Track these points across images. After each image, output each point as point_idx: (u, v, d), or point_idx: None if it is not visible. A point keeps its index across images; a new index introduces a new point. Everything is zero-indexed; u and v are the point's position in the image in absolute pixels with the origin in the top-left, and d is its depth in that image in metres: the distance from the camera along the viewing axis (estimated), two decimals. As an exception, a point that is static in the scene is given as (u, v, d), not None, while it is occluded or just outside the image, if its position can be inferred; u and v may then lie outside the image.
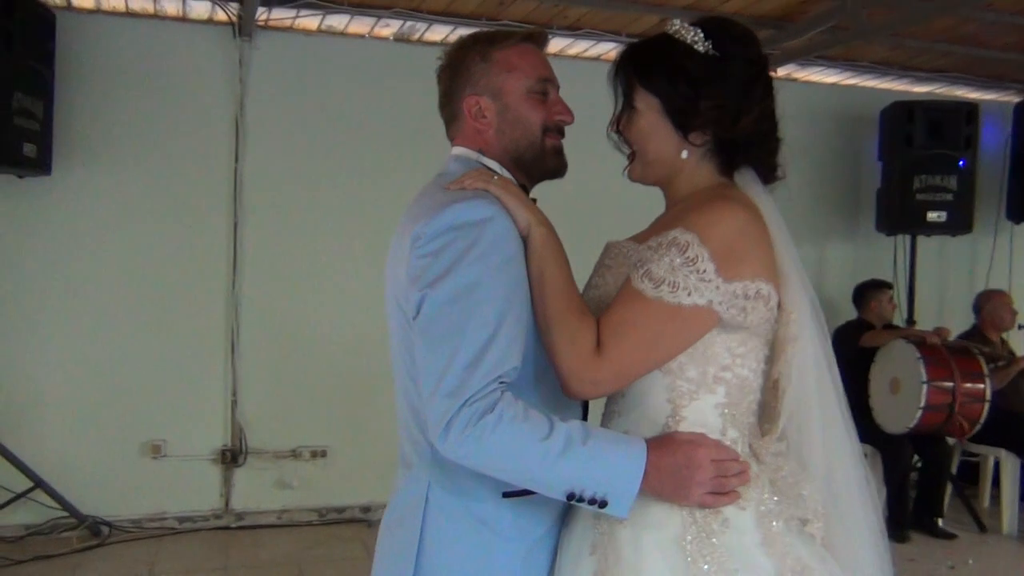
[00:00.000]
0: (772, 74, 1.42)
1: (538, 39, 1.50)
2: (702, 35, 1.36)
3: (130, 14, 4.24)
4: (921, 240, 5.22)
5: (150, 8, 4.22)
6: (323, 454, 4.55)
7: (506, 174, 1.45)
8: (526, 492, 1.33)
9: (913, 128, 4.90)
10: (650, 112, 1.39)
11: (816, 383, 1.35)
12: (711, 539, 1.27)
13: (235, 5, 4.20)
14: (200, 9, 4.26)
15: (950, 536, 4.44)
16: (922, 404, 4.33)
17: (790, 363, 1.34)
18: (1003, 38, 4.59)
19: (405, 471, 1.44)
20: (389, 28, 4.55)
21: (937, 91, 5.47)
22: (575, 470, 1.24)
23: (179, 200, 4.34)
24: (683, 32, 1.37)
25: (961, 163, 4.96)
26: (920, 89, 5.43)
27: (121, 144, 4.25)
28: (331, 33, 4.56)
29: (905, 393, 4.41)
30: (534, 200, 1.42)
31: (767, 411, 1.38)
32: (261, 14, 4.20)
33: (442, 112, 1.52)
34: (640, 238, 1.41)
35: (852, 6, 3.89)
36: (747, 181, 1.40)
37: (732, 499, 1.28)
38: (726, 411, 1.34)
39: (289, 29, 4.41)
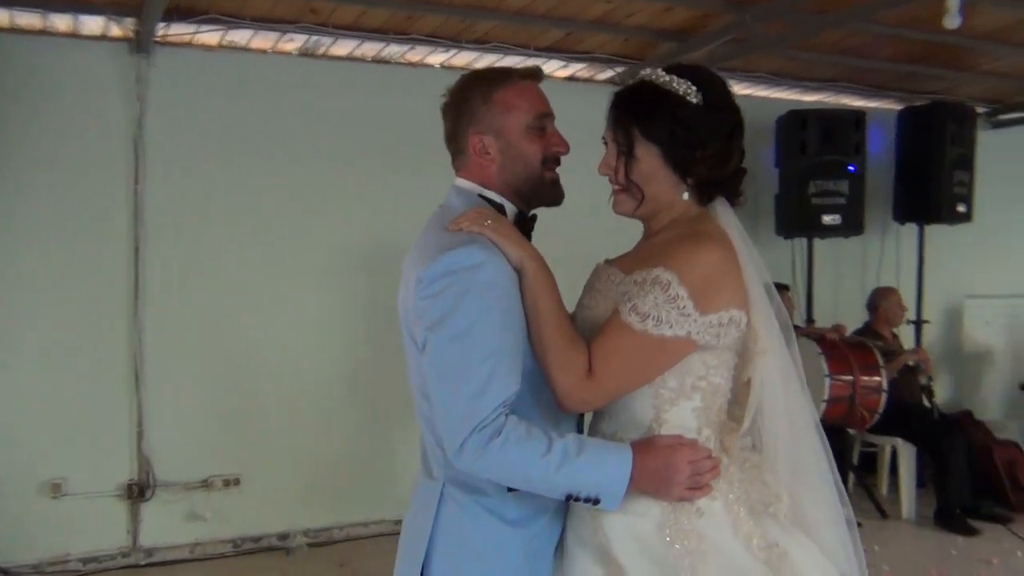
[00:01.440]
0: None
1: (534, 76, 1.66)
2: (694, 88, 1.52)
3: (15, 30, 4.01)
4: (817, 242, 5.46)
5: (38, 24, 3.99)
6: (236, 482, 4.40)
7: (507, 203, 1.62)
8: None
9: (807, 135, 5.13)
10: (649, 159, 1.54)
11: (782, 385, 1.56)
12: (685, 525, 1.48)
13: (132, 20, 4.02)
14: (93, 25, 4.06)
15: (855, 524, 4.64)
16: (825, 397, 4.55)
17: (758, 371, 1.54)
18: (886, 49, 4.86)
19: (424, 473, 1.63)
20: (293, 43, 4.46)
21: (826, 99, 5.74)
22: (572, 478, 1.44)
23: (76, 224, 4.13)
24: (675, 84, 1.52)
25: (851, 168, 5.22)
26: (810, 98, 5.68)
27: (10, 168, 4.01)
28: (233, 48, 4.42)
29: (808, 387, 4.60)
30: (533, 219, 1.64)
31: (736, 409, 1.58)
32: (160, 29, 4.05)
33: (448, 146, 1.67)
34: (626, 266, 1.57)
35: (750, 20, 4.05)
36: (720, 210, 1.59)
37: (706, 492, 1.49)
38: (701, 414, 1.53)
39: (189, 45, 4.25)
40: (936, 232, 5.71)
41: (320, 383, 4.57)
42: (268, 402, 4.45)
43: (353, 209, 4.61)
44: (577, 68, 4.99)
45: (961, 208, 5.48)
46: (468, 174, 1.64)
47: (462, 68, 4.81)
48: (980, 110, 5.94)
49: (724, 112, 1.55)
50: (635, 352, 1.46)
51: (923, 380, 5.25)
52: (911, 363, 5.09)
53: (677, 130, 1.51)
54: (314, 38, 4.36)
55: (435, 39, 4.50)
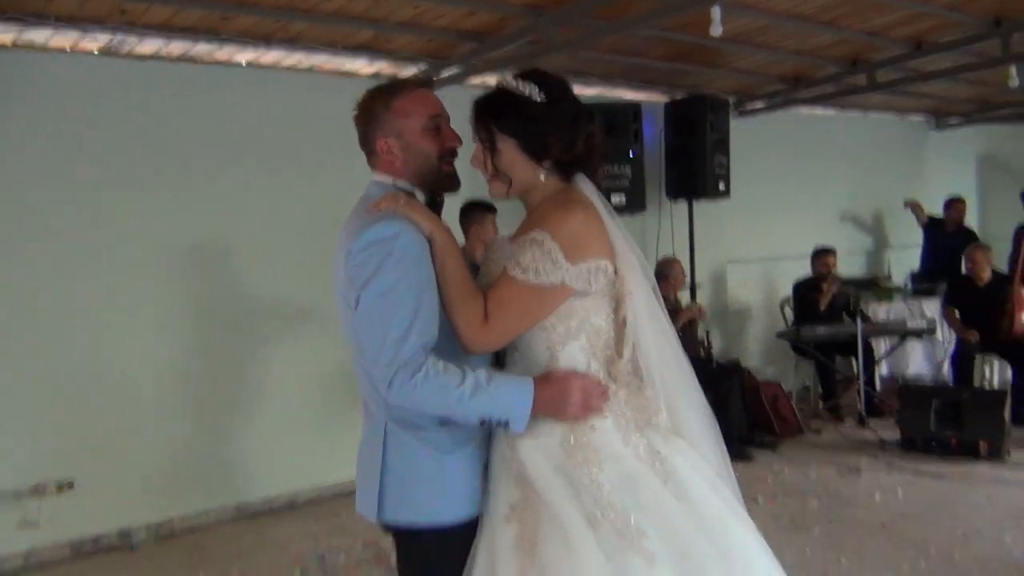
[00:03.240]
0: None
1: (427, 84, 1.98)
2: (537, 88, 1.84)
3: None
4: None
5: None
6: (70, 485, 4.34)
7: (416, 191, 1.91)
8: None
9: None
10: (509, 150, 1.87)
11: (649, 320, 1.89)
12: (583, 439, 1.80)
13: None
14: None
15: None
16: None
17: (630, 310, 1.87)
18: (655, 50, 5.56)
19: (368, 418, 1.91)
20: (96, 42, 4.43)
21: (604, 93, 6.38)
22: (483, 405, 1.74)
23: None
24: (521, 87, 1.85)
25: (631, 153, 5.90)
26: (591, 91, 6.30)
27: None
28: (30, 48, 4.33)
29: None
30: (441, 203, 1.93)
31: (618, 343, 1.89)
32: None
33: (362, 148, 1.95)
34: (513, 238, 1.89)
35: (544, 24, 4.54)
36: (581, 184, 1.92)
37: (597, 412, 1.81)
38: (588, 351, 1.85)
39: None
40: (702, 207, 6.55)
41: (150, 377, 4.60)
42: (98, 401, 4.42)
43: (180, 206, 4.67)
44: (382, 65, 5.28)
45: (721, 186, 6.34)
46: (381, 170, 1.92)
47: (269, 67, 4.99)
48: (731, 100, 6.84)
49: (564, 105, 1.86)
50: (520, 299, 1.78)
51: (701, 334, 6.05)
52: (692, 318, 5.86)
53: (527, 124, 1.82)
54: (119, 37, 4.34)
55: (245, 39, 4.64)
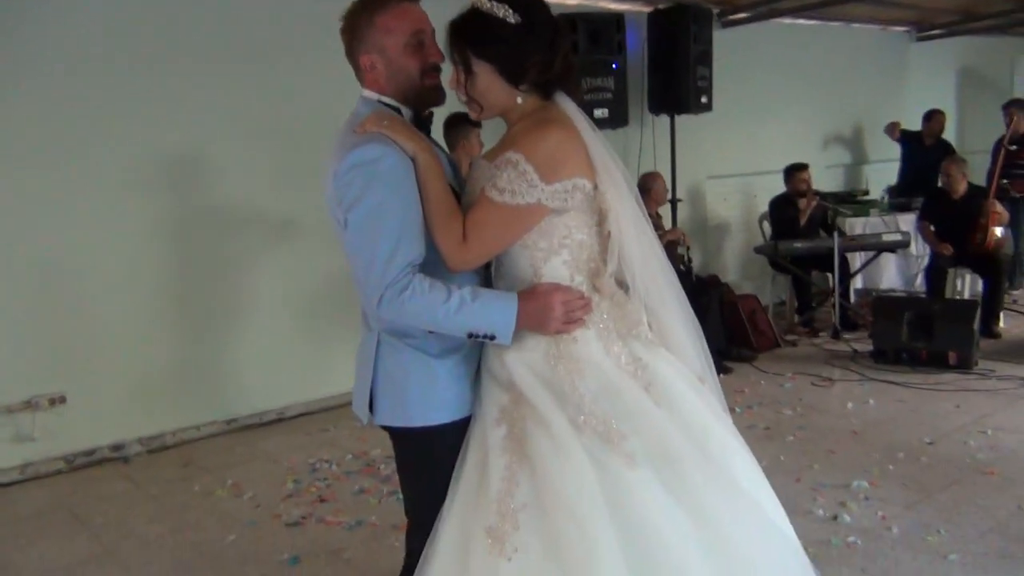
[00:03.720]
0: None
1: None
2: (511, 10, 1.80)
3: None
4: (589, 135, 6.06)
5: None
6: (62, 400, 4.40)
7: (403, 108, 1.92)
8: None
9: (577, 37, 5.62)
10: (486, 74, 1.84)
11: (635, 232, 1.91)
12: (565, 351, 1.85)
13: None
14: None
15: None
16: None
17: (613, 224, 1.90)
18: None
19: (364, 328, 1.98)
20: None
21: (585, 3, 6.26)
22: (469, 319, 1.81)
23: None
24: (495, 8, 1.81)
25: (615, 66, 5.84)
26: (572, 1, 6.19)
27: None
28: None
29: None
30: (430, 117, 1.99)
31: (602, 256, 1.93)
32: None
33: (349, 61, 1.94)
34: (490, 157, 1.89)
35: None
36: (561, 101, 1.90)
37: (579, 325, 1.86)
38: (571, 265, 1.89)
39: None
40: (683, 122, 6.53)
41: (138, 293, 4.60)
42: (88, 315, 4.44)
43: (164, 115, 4.59)
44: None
45: (703, 99, 6.31)
46: (368, 86, 1.93)
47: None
48: (714, 11, 6.75)
49: (540, 27, 1.82)
50: (496, 219, 1.81)
51: (681, 251, 6.12)
52: (673, 240, 5.91)
53: (502, 48, 1.80)
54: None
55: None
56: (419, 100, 1.94)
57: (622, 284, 1.94)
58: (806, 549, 1.99)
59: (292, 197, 4.86)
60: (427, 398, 1.90)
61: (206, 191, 4.82)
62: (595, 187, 1.87)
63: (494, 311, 1.82)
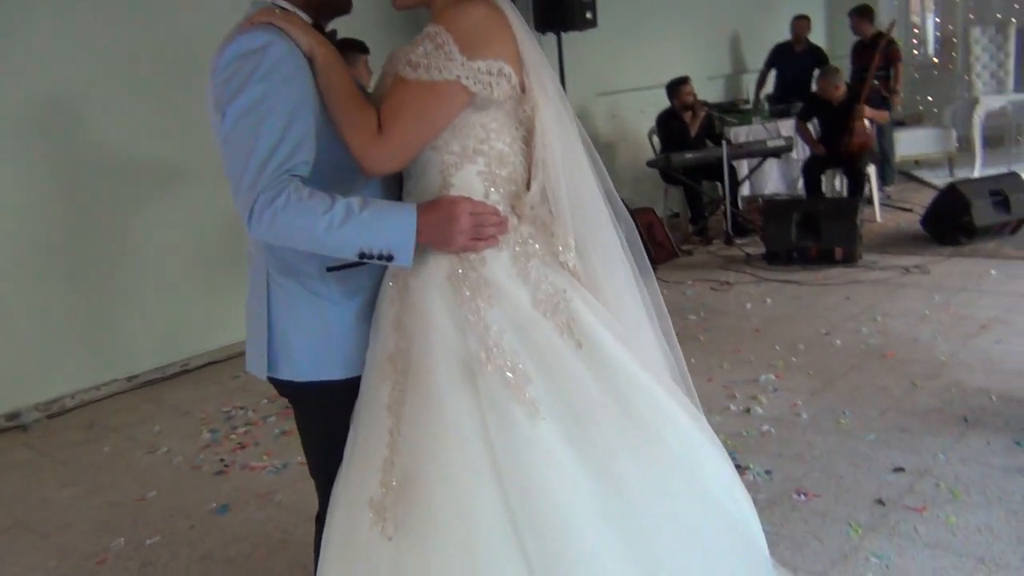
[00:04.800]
0: None
1: None
2: None
3: None
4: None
5: None
6: (-55, 373, 4.14)
7: (301, 13, 1.65)
8: (346, 266, 1.65)
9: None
10: None
11: (560, 137, 1.69)
12: (473, 273, 1.62)
13: None
14: None
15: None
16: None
17: (537, 125, 1.66)
18: None
19: (250, 265, 1.75)
20: None
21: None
22: (359, 233, 1.54)
23: None
24: None
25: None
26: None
27: None
28: None
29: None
30: (334, 33, 1.72)
31: (526, 175, 1.71)
32: None
33: None
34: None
35: None
36: None
37: (490, 244, 1.63)
38: (487, 177, 1.66)
39: None
40: (570, 40, 6.50)
41: (19, 253, 4.32)
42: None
43: (32, 58, 4.26)
44: None
45: (588, 15, 6.28)
46: None
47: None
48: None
49: None
50: (412, 99, 1.57)
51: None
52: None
53: None
54: None
55: None
56: (323, 4, 1.69)
57: (545, 208, 1.70)
58: (725, 443, 1.96)
59: (180, 138, 4.61)
60: (320, 350, 1.68)
61: (86, 137, 4.51)
62: (522, 86, 1.65)
63: (389, 223, 1.55)
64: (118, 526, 3.18)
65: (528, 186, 1.70)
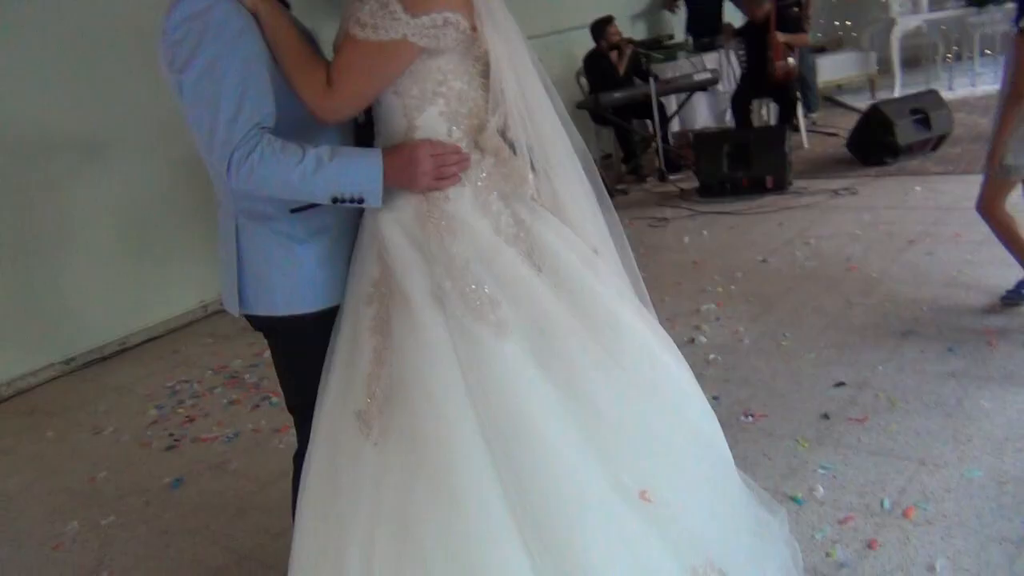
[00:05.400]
0: None
1: None
2: None
3: None
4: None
5: None
6: None
7: None
8: (310, 207, 1.76)
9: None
10: None
11: (514, 71, 1.74)
12: (437, 209, 1.72)
13: None
14: None
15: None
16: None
17: (492, 62, 1.72)
18: None
19: (219, 210, 1.84)
20: None
21: None
22: (330, 181, 1.66)
23: None
24: None
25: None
26: None
27: None
28: None
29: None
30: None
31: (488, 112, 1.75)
32: None
33: None
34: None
35: None
36: None
37: (453, 182, 1.73)
38: (448, 117, 1.73)
39: None
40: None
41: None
42: None
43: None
44: None
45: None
46: None
47: None
48: None
49: None
50: (362, 59, 1.65)
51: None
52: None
53: None
54: None
55: None
56: None
57: (506, 142, 1.76)
58: None
59: (102, 112, 4.45)
60: (291, 285, 1.79)
61: (4, 116, 4.30)
62: (473, 28, 1.68)
63: (357, 169, 1.67)
64: (71, 510, 3.13)
65: (488, 118, 1.75)
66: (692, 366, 3.35)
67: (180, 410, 3.88)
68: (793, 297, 4.00)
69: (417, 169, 1.70)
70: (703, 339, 3.69)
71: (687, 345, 3.65)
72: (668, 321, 3.92)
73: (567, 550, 1.60)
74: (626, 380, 1.73)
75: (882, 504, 2.40)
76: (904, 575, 2.12)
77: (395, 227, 1.74)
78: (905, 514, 2.35)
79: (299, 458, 1.86)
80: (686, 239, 5.18)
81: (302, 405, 1.87)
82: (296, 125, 1.69)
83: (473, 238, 1.71)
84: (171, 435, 3.62)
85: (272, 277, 1.79)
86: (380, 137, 1.80)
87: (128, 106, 4.38)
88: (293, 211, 1.75)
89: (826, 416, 2.91)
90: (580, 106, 6.81)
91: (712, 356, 3.51)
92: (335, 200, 1.68)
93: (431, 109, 1.73)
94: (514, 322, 1.67)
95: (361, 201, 1.69)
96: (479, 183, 1.75)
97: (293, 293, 1.80)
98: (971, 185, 3.73)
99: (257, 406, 3.76)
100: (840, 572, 2.17)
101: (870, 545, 2.25)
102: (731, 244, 4.94)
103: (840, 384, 3.11)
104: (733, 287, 4.25)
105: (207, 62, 1.58)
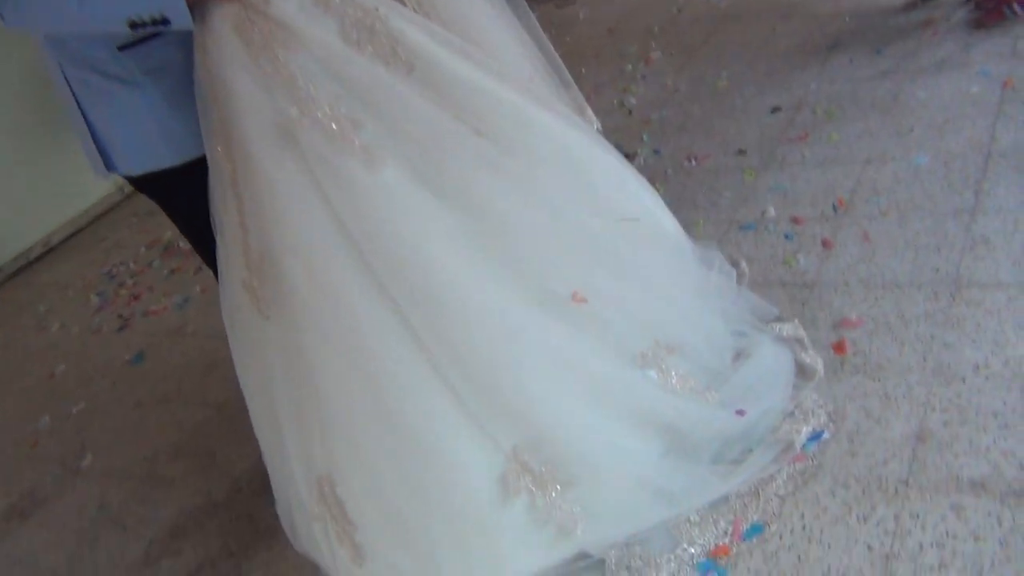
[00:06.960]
0: None
1: None
2: None
3: None
4: None
5: None
6: None
7: None
8: (137, 42, 1.49)
9: None
10: None
11: None
12: (258, 16, 1.39)
13: None
14: None
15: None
16: None
17: None
18: None
19: (46, 63, 1.59)
20: None
21: None
22: (117, 1, 1.35)
23: None
24: None
25: None
26: None
27: None
28: None
29: None
30: None
31: None
32: None
33: None
34: None
35: None
36: None
37: None
38: None
39: None
40: None
41: None
42: None
43: None
44: None
45: None
46: None
47: None
48: None
49: None
50: None
51: None
52: None
53: None
54: None
55: None
56: None
57: None
58: (608, 137, 1.81)
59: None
60: (142, 138, 1.57)
61: None
62: None
63: None
64: (38, 407, 3.05)
65: None
66: (627, 128, 3.34)
67: (122, 291, 3.74)
68: (715, 39, 3.88)
69: None
70: (632, 100, 3.58)
71: (618, 109, 3.55)
72: (594, 91, 3.81)
73: (497, 388, 1.45)
74: (531, 175, 1.51)
75: (834, 208, 2.41)
76: (868, 265, 2.15)
77: (218, 50, 1.41)
78: (853, 210, 2.35)
79: None
80: (600, 9, 4.95)
81: (205, 255, 1.70)
82: None
83: (315, 47, 1.40)
84: (120, 316, 3.51)
85: (118, 131, 1.57)
86: None
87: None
88: (121, 48, 1.49)
89: (768, 141, 2.87)
90: None
91: (646, 113, 3.42)
92: (133, 25, 1.37)
93: None
94: (387, 145, 1.41)
95: (166, 22, 1.36)
96: None
97: (144, 147, 1.58)
98: None
99: (200, 269, 3.63)
100: (805, 277, 2.19)
101: (825, 244, 2.26)
102: (643, 3, 4.74)
103: (776, 109, 3.05)
104: (653, 43, 4.11)
105: None
